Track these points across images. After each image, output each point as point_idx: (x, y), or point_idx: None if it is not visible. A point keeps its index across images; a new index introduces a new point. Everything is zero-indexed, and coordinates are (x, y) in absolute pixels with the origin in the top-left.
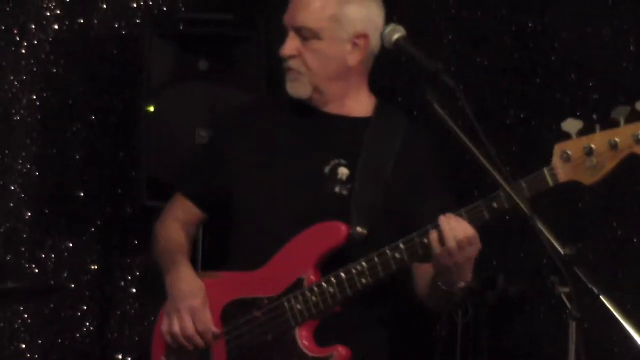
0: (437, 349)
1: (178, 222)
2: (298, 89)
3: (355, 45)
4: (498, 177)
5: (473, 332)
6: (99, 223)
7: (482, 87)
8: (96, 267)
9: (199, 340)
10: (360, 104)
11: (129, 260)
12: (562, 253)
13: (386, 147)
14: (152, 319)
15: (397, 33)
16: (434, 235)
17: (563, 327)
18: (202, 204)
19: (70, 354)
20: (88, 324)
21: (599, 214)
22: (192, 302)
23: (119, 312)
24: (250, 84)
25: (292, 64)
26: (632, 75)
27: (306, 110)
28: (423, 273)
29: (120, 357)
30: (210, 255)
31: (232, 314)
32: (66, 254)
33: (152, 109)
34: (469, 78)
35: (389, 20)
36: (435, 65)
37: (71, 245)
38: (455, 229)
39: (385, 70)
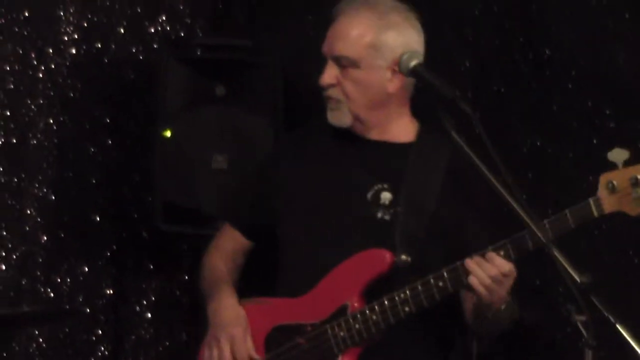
0: None
1: (225, 251)
2: (339, 117)
3: (394, 72)
4: (516, 206)
5: None
6: (114, 247)
7: (498, 113)
8: (111, 292)
9: None
10: (402, 129)
11: (143, 285)
12: (579, 281)
13: (430, 172)
14: (167, 343)
15: (414, 59)
16: (472, 277)
17: (579, 356)
18: (249, 233)
19: None
20: (102, 348)
21: (615, 242)
22: (232, 330)
23: (133, 337)
24: (266, 109)
25: (332, 92)
26: None
27: (348, 137)
28: (468, 299)
29: None
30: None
31: (275, 340)
32: (81, 278)
33: (168, 133)
34: (485, 104)
35: None
36: (452, 92)
37: (86, 269)
38: (488, 269)
39: None
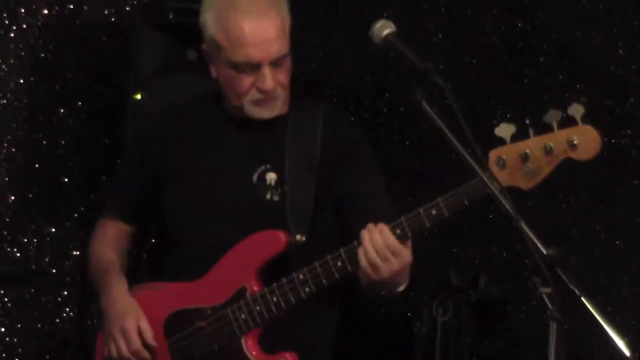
0: (418, 347)
1: (109, 237)
2: (276, 109)
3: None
4: (484, 176)
5: (454, 331)
6: (82, 209)
7: (470, 86)
8: (78, 253)
9: (141, 356)
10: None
11: None
12: (545, 254)
13: (308, 142)
14: None
15: (386, 29)
16: (360, 250)
17: (544, 328)
18: (131, 218)
19: (50, 340)
20: (68, 309)
21: (583, 218)
22: (123, 323)
23: None
24: None
25: (278, 93)
26: (620, 79)
27: (227, 117)
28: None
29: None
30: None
31: (175, 325)
32: (48, 239)
33: (139, 96)
34: (458, 76)
35: (379, 16)
36: (424, 64)
37: (53, 230)
38: (376, 240)
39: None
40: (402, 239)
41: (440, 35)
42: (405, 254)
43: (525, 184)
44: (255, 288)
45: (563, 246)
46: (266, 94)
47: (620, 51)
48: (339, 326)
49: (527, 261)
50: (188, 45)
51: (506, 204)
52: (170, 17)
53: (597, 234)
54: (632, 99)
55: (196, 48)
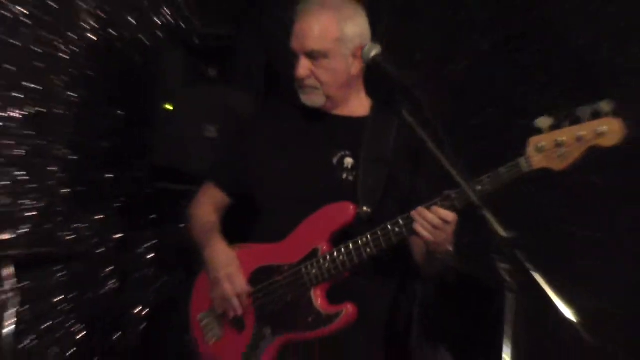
0: (398, 317)
1: (210, 206)
2: (314, 99)
3: (355, 56)
4: (457, 176)
5: (429, 303)
6: (122, 200)
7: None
8: (118, 236)
9: (236, 301)
10: (360, 105)
11: (146, 231)
12: (504, 237)
13: (382, 140)
14: (165, 279)
15: (374, 50)
16: (416, 224)
17: (502, 298)
18: (231, 191)
19: (97, 307)
20: (111, 282)
21: (543, 207)
22: (228, 269)
23: (136, 275)
24: (249, 87)
25: (308, 82)
26: (604, 82)
27: (315, 113)
28: (417, 244)
29: (138, 310)
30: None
31: (258, 278)
32: (95, 225)
33: (168, 107)
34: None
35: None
36: (407, 79)
37: (100, 217)
38: (428, 217)
39: None
40: (450, 209)
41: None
42: (453, 220)
43: (557, 166)
44: (326, 249)
45: (520, 231)
46: (299, 80)
47: (604, 54)
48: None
49: (489, 242)
50: (209, 64)
51: (474, 198)
52: (195, 41)
53: (557, 221)
54: None
55: (215, 66)
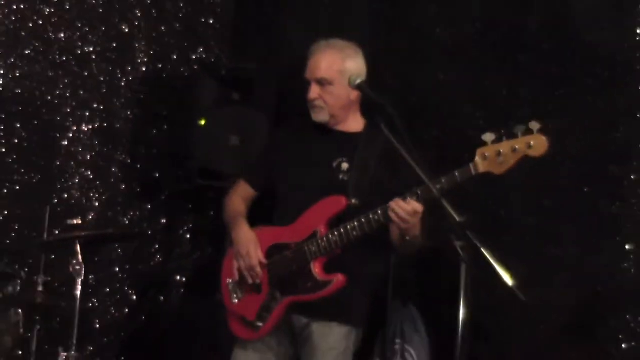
0: (377, 279)
1: (240, 197)
2: (321, 117)
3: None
4: (423, 176)
5: (401, 269)
6: (167, 193)
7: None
8: (165, 221)
9: (256, 270)
10: (356, 123)
11: (184, 217)
12: (458, 219)
13: (372, 150)
14: (199, 255)
15: (359, 78)
16: (390, 212)
17: (458, 268)
18: (256, 186)
19: (147, 277)
20: (158, 257)
21: (484, 197)
22: (248, 245)
23: (178, 250)
24: (265, 109)
25: (317, 103)
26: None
27: (322, 128)
28: (395, 230)
29: (178, 278)
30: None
31: (271, 253)
32: (146, 212)
33: (203, 122)
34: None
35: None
36: (383, 100)
37: (149, 206)
38: (403, 207)
39: None
40: (420, 202)
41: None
42: (420, 210)
43: (497, 170)
44: (323, 231)
45: (470, 214)
46: (310, 102)
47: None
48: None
49: (447, 224)
50: (234, 90)
51: (435, 191)
52: (223, 72)
53: (490, 207)
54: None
55: (239, 91)
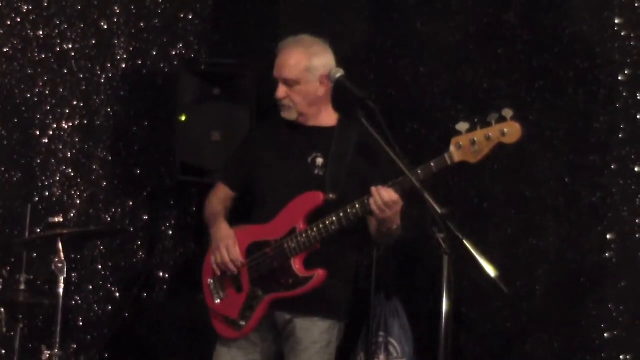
0: (360, 273)
1: (219, 198)
2: (290, 115)
3: (321, 82)
4: (403, 167)
5: (383, 263)
6: (149, 189)
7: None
8: (146, 217)
9: (231, 266)
10: (328, 118)
11: (167, 214)
12: (440, 211)
13: (346, 144)
14: (182, 250)
15: (339, 73)
16: (371, 200)
17: (440, 260)
18: (234, 189)
19: (129, 272)
20: (141, 253)
21: (465, 189)
22: (227, 242)
23: (160, 246)
24: (246, 104)
25: (285, 102)
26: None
27: (295, 125)
28: (372, 221)
29: (161, 274)
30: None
31: (252, 250)
32: (127, 209)
33: (183, 118)
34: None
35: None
36: (363, 94)
37: (131, 203)
38: (383, 195)
39: None
40: (398, 192)
41: (372, 76)
42: (399, 201)
43: (472, 159)
44: (302, 227)
45: (450, 208)
46: (278, 100)
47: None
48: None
49: (429, 216)
50: (214, 85)
51: (416, 183)
52: (203, 67)
53: (472, 199)
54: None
55: (219, 87)
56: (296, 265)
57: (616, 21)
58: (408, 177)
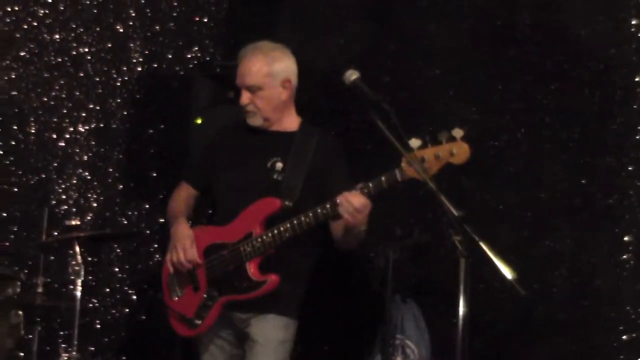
0: (375, 276)
1: (182, 197)
2: (254, 121)
3: (284, 87)
4: (418, 169)
5: (399, 265)
6: (165, 192)
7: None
8: (162, 220)
9: (187, 265)
10: (291, 122)
11: None
12: (456, 214)
13: (305, 149)
14: None
15: (354, 75)
16: (341, 207)
17: (456, 262)
18: (197, 187)
19: (146, 275)
20: (157, 255)
21: (480, 192)
22: (184, 241)
23: None
24: None
25: (249, 108)
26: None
27: (257, 130)
28: (337, 226)
29: None
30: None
31: (209, 251)
32: (143, 212)
33: (198, 121)
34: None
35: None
36: (377, 96)
37: (147, 206)
38: (353, 201)
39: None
40: (367, 196)
41: (387, 79)
42: (368, 205)
43: (422, 176)
44: (258, 232)
45: (466, 209)
46: (242, 107)
47: (450, 92)
48: (317, 262)
49: (445, 219)
50: (229, 88)
51: (432, 186)
52: (217, 70)
53: (487, 201)
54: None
55: (233, 89)
56: (251, 269)
57: (632, 22)
58: (379, 181)
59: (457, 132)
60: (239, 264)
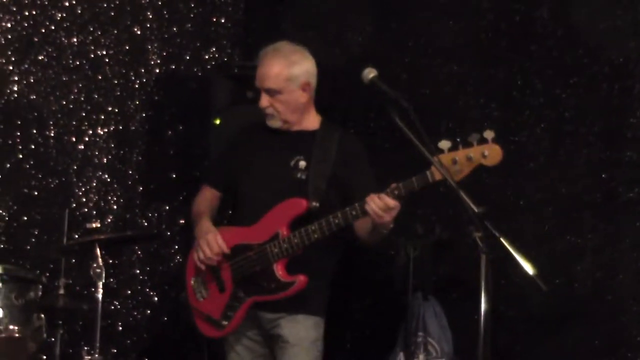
0: (396, 273)
1: (205, 198)
2: (274, 123)
3: (303, 90)
4: (438, 167)
5: (420, 262)
6: (185, 193)
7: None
8: (183, 222)
9: (215, 259)
10: (311, 122)
11: None
12: (476, 210)
13: (328, 148)
14: None
15: (372, 73)
16: (370, 206)
17: (477, 259)
18: (219, 188)
19: (166, 277)
20: (178, 257)
21: (501, 188)
22: (207, 236)
23: None
24: None
25: (268, 110)
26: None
27: (278, 131)
28: (362, 224)
29: None
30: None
31: (235, 252)
32: (164, 213)
33: (217, 121)
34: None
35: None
36: (396, 94)
37: (167, 207)
38: (382, 203)
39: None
40: (397, 198)
41: (405, 76)
42: (397, 207)
43: (453, 178)
44: (285, 233)
45: (487, 206)
46: (262, 109)
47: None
48: (341, 259)
49: (465, 215)
50: (247, 88)
51: (452, 183)
52: (235, 71)
53: (508, 197)
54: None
55: (252, 90)
56: (279, 270)
57: None
58: (410, 183)
59: (489, 134)
60: (266, 264)
